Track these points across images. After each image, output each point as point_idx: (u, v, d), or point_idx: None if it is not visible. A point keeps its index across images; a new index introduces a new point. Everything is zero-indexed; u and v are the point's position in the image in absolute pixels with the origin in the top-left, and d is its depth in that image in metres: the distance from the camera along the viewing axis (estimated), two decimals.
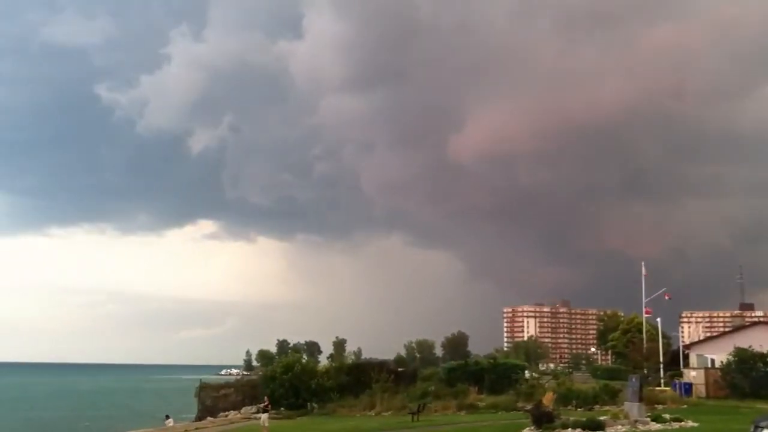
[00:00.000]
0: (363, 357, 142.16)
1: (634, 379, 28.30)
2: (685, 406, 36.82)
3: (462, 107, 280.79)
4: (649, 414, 27.32)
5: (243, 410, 45.45)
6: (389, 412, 39.21)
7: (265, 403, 35.99)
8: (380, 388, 42.49)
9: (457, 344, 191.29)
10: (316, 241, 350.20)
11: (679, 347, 64.01)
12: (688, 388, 45.28)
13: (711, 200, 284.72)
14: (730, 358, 43.45)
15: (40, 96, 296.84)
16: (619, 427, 24.93)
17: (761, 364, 42.53)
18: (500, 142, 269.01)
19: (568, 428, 24.10)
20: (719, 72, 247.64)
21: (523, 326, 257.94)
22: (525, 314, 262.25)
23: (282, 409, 41.38)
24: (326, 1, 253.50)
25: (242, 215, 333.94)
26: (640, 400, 27.02)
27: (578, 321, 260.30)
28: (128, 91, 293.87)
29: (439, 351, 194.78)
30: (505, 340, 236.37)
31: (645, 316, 65.34)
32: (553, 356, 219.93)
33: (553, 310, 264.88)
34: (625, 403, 28.60)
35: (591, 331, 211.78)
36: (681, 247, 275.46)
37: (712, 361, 49.12)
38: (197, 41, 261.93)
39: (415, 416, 34.58)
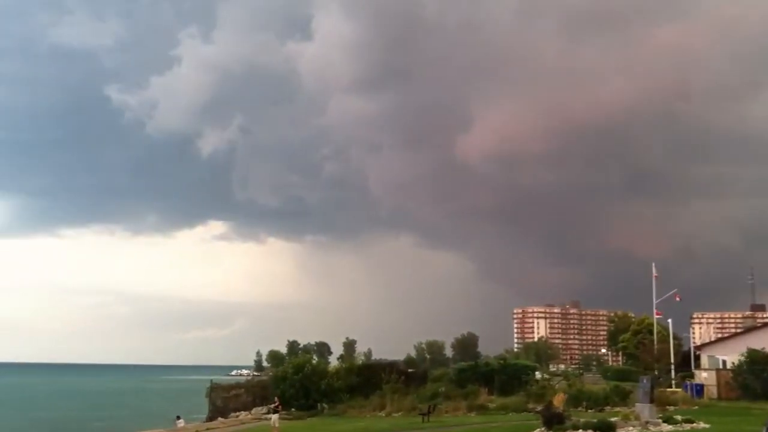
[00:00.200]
0: (373, 358, 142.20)
1: (645, 381, 28.24)
2: (697, 407, 36.72)
3: (470, 107, 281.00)
4: (660, 415, 27.26)
5: (254, 411, 45.59)
6: (399, 413, 39.24)
7: (276, 404, 36.11)
8: (390, 389, 42.43)
9: (467, 345, 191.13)
10: (325, 241, 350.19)
11: (690, 348, 63.77)
12: (700, 389, 45.10)
13: (718, 200, 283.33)
14: (742, 359, 43.24)
15: (51, 97, 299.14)
16: (630, 428, 24.90)
17: None
18: (508, 142, 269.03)
19: (578, 429, 24.06)
20: (725, 72, 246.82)
21: (533, 327, 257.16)
22: (535, 315, 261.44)
23: (292, 409, 41.47)
24: (335, 1, 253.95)
25: (251, 216, 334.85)
26: (652, 401, 26.99)
27: (589, 322, 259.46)
28: (138, 92, 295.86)
29: (449, 352, 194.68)
30: (515, 340, 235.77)
31: (656, 317, 65.10)
32: (564, 357, 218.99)
33: (563, 311, 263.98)
34: (636, 404, 28.56)
35: (601, 332, 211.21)
36: (690, 248, 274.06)
37: (724, 362, 48.90)
38: (206, 43, 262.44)
39: (425, 417, 34.60)
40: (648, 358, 66.17)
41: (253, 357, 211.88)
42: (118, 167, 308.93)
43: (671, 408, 34.35)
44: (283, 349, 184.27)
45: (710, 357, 51.63)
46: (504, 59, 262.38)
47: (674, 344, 61.75)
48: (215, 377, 70.38)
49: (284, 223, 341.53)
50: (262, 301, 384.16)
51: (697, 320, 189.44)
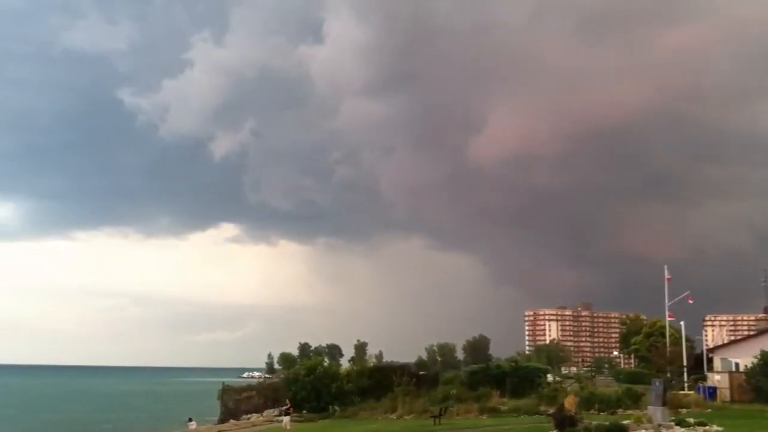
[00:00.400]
0: (384, 360, 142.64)
1: (657, 383, 28.12)
2: (710, 410, 36.44)
3: (482, 109, 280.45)
4: (672, 418, 27.13)
5: (265, 413, 45.77)
6: (411, 416, 39.22)
7: (288, 406, 36.25)
8: (402, 392, 42.47)
9: (478, 347, 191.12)
10: (337, 244, 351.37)
11: (702, 351, 63.36)
12: (713, 392, 44.81)
13: (731, 202, 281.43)
14: (755, 361, 42.94)
15: (64, 101, 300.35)
16: (643, 431, 24.81)
17: None
18: (521, 144, 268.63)
19: None
20: (737, 73, 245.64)
21: (544, 329, 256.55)
22: (546, 317, 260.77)
23: (304, 411, 41.60)
24: (347, 5, 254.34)
25: (264, 219, 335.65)
26: (664, 404, 26.87)
27: (600, 324, 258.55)
28: (151, 95, 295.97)
29: (460, 354, 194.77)
30: (527, 343, 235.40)
31: (668, 319, 64.75)
32: (576, 360, 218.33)
33: (575, 314, 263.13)
34: (649, 407, 28.42)
35: (613, 335, 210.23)
36: (702, 250, 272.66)
37: (737, 364, 48.57)
38: (219, 46, 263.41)
39: (436, 420, 34.55)
40: (660, 361, 65.70)
41: (265, 359, 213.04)
42: (130, 170, 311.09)
43: (684, 411, 34.15)
44: (295, 352, 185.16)
45: (723, 359, 51.29)
46: (515, 61, 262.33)
47: (687, 347, 61.34)
48: (227, 379, 70.59)
49: (296, 226, 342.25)
50: (273, 303, 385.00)
51: (709, 322, 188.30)
